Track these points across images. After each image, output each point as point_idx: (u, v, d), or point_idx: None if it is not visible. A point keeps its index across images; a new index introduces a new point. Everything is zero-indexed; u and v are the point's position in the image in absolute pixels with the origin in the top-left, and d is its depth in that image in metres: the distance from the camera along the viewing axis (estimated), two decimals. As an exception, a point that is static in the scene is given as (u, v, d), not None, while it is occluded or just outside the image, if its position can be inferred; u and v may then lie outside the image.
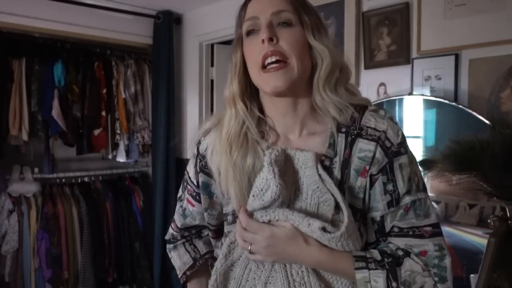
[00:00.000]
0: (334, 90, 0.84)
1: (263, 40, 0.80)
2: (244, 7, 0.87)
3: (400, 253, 0.81)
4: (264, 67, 0.81)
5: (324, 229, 0.76)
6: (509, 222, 1.45)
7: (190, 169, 1.00)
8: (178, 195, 1.07)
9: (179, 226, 1.06)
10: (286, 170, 0.81)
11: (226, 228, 0.93)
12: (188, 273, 1.04)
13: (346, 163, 0.82)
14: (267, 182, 0.79)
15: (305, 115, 0.87)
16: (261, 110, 0.90)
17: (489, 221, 1.50)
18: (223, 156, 0.86)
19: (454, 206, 1.73)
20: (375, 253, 0.81)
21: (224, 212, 0.93)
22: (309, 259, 0.80)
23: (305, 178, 0.81)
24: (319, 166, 0.80)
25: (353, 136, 0.83)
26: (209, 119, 0.97)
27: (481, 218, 1.64)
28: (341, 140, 0.83)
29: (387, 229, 0.83)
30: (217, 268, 0.87)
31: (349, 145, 0.83)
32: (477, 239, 1.60)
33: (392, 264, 0.79)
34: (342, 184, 0.82)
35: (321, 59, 0.83)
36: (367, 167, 0.81)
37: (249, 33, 0.84)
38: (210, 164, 0.92)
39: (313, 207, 0.81)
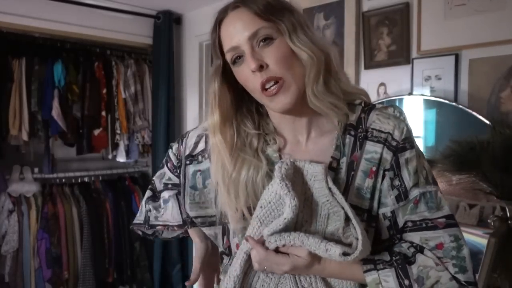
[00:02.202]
0: (323, 88, 0.82)
1: (253, 71, 0.79)
2: (216, 32, 0.85)
3: (412, 250, 0.81)
4: (263, 89, 0.81)
5: (344, 254, 0.74)
6: (509, 222, 1.45)
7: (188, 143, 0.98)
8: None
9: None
10: (295, 181, 0.80)
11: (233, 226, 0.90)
12: (175, 228, 1.03)
13: (353, 165, 0.83)
14: (280, 198, 0.78)
15: (311, 116, 0.87)
16: (256, 118, 0.91)
17: (489, 221, 1.50)
18: (219, 182, 0.87)
19: (454, 206, 1.73)
20: (385, 255, 0.81)
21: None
22: (321, 273, 0.82)
23: (314, 190, 0.80)
24: (329, 179, 0.78)
25: (360, 140, 0.84)
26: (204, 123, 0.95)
27: (481, 218, 1.64)
28: (349, 142, 0.84)
29: (400, 224, 0.83)
30: (236, 283, 0.84)
31: (358, 148, 0.84)
32: (477, 239, 1.60)
33: (401, 261, 0.79)
34: (348, 185, 0.82)
35: (305, 62, 0.81)
36: (374, 169, 0.83)
37: (235, 61, 0.83)
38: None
39: (323, 218, 0.80)
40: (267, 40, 0.80)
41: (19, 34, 2.86)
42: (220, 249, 0.97)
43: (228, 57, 0.84)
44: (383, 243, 0.84)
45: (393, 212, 0.83)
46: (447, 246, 0.80)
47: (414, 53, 2.01)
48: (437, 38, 1.92)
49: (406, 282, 0.77)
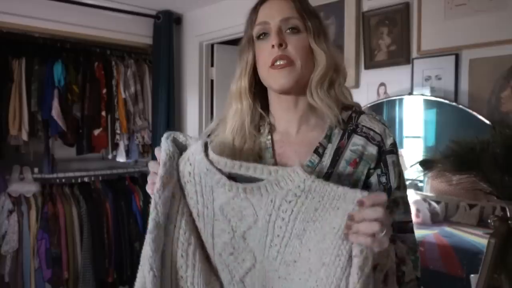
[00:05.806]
0: (326, 92, 0.90)
1: (273, 45, 0.88)
2: (255, 11, 0.94)
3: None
4: (272, 65, 0.89)
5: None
6: (509, 222, 1.44)
7: None
8: None
9: None
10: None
11: None
12: None
13: (338, 151, 0.89)
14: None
15: (305, 111, 0.94)
16: (264, 107, 0.97)
17: (489, 221, 1.50)
18: (226, 147, 0.93)
19: (454, 206, 1.73)
20: None
21: None
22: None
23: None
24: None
25: (349, 132, 0.91)
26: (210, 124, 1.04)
27: (481, 218, 1.64)
28: (338, 132, 0.92)
29: None
30: None
31: (346, 138, 0.91)
32: (477, 239, 1.60)
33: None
34: (329, 171, 0.88)
35: (318, 61, 0.90)
36: (357, 159, 0.89)
37: (260, 36, 0.92)
38: None
39: None
40: (294, 30, 0.90)
41: (19, 34, 2.86)
42: None
43: (255, 30, 0.92)
44: None
45: None
46: (408, 247, 0.88)
47: (414, 53, 2.01)
48: (437, 38, 1.92)
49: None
